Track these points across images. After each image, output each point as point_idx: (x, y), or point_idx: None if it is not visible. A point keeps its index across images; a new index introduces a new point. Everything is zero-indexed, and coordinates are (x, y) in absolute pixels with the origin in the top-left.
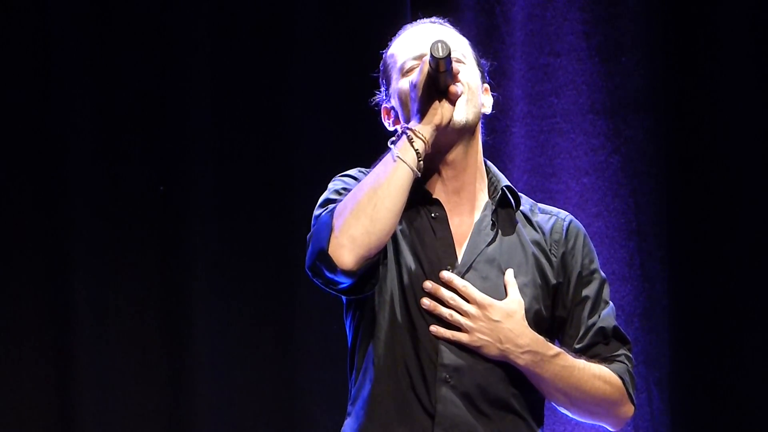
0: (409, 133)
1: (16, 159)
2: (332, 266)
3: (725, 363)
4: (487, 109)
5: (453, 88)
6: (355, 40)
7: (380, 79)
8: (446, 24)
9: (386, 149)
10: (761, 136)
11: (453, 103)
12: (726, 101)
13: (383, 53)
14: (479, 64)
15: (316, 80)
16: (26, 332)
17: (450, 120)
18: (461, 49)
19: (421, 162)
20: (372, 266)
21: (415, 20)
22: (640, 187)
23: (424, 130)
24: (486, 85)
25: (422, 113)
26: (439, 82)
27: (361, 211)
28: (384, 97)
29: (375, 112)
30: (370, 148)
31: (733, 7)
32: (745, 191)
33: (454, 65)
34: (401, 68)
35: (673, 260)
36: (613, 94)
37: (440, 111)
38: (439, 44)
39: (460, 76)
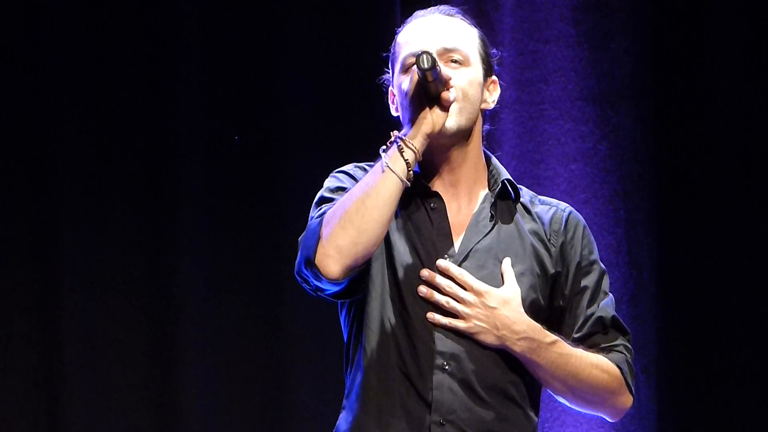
0: (400, 142)
1: (4, 160)
2: (318, 275)
3: (713, 350)
4: (490, 105)
5: (445, 95)
6: (345, 35)
7: (390, 60)
8: (457, 14)
9: (377, 156)
10: (749, 124)
11: (446, 109)
12: (715, 88)
13: (396, 31)
14: (486, 59)
15: (307, 76)
16: (16, 335)
17: (442, 126)
18: (467, 48)
19: (411, 172)
20: (360, 272)
21: (411, 11)
22: (628, 174)
23: (415, 140)
24: (493, 78)
25: (413, 122)
26: (429, 89)
27: (349, 221)
28: (391, 79)
29: (366, 108)
30: (361, 143)
31: None
32: (733, 178)
33: (445, 72)
34: (402, 63)
35: (661, 247)
36: (601, 80)
37: (431, 119)
38: (424, 56)
39: (456, 83)
